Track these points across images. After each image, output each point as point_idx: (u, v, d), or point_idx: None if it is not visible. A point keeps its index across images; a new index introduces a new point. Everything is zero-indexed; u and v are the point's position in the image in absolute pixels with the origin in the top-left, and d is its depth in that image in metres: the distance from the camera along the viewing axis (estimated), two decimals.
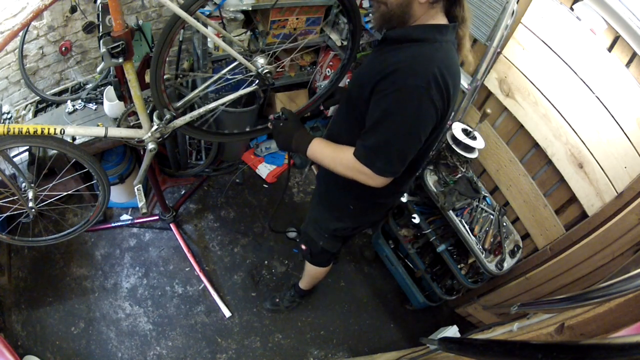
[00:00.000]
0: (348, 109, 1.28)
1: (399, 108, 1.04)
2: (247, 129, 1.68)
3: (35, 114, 1.97)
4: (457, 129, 1.88)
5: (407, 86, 1.01)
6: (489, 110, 1.84)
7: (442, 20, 1.10)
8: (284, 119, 1.29)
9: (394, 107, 1.05)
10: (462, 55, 1.18)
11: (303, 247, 1.77)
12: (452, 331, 1.84)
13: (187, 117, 1.46)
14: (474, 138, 1.88)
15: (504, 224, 1.92)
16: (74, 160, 1.63)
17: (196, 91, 1.48)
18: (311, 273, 1.96)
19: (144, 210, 1.62)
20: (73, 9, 1.86)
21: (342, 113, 1.37)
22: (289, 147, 1.26)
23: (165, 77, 1.55)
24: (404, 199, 2.03)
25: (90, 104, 1.97)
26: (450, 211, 1.85)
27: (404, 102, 1.03)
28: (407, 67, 1.02)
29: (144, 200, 1.63)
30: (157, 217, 2.38)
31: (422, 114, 1.04)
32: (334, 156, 1.19)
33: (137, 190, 1.61)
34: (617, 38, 1.43)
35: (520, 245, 1.91)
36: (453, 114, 1.95)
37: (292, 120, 1.29)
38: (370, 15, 2.14)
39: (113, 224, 2.35)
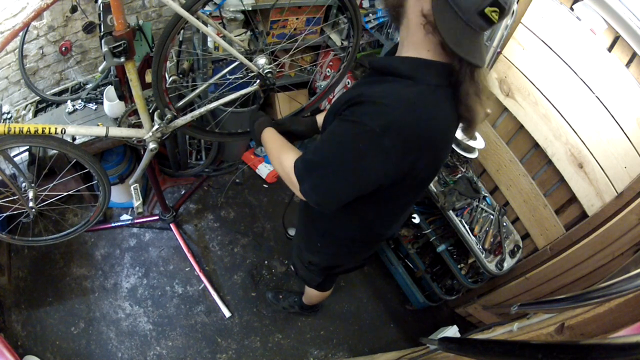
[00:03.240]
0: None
1: (347, 139, 0.88)
2: (248, 129, 1.68)
3: (35, 114, 1.97)
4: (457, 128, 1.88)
5: (362, 123, 0.85)
6: (489, 110, 1.83)
7: (438, 56, 0.87)
8: (252, 113, 1.33)
9: (343, 135, 0.90)
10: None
11: (292, 266, 1.74)
12: (452, 331, 1.84)
13: (188, 117, 1.46)
14: (474, 138, 1.88)
15: (504, 224, 1.92)
16: (74, 160, 1.63)
17: (197, 91, 1.48)
18: (307, 291, 1.96)
19: (140, 210, 1.62)
20: (73, 9, 1.86)
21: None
22: (254, 134, 1.26)
23: (171, 78, 1.56)
24: None
25: (91, 104, 1.97)
26: (450, 211, 1.85)
27: (353, 136, 0.87)
28: (372, 104, 0.86)
29: (141, 199, 1.63)
30: (157, 217, 2.38)
31: (366, 159, 0.87)
32: (278, 151, 1.10)
33: (134, 189, 1.61)
34: (617, 38, 1.43)
35: (520, 245, 1.91)
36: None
37: (256, 113, 1.31)
38: (371, 15, 2.14)
39: (113, 224, 2.35)
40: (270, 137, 1.20)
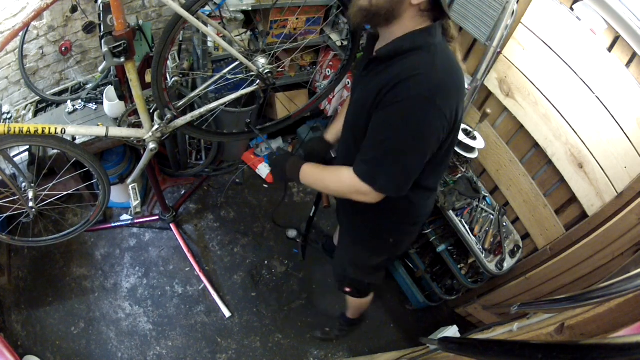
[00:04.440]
0: (351, 139, 1.21)
1: (403, 121, 0.98)
2: (245, 130, 1.68)
3: (35, 114, 1.97)
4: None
5: (411, 97, 0.96)
6: (489, 110, 1.84)
7: (427, 22, 1.03)
8: (276, 154, 1.31)
9: (397, 120, 0.99)
10: None
11: (347, 289, 1.75)
12: (452, 331, 1.84)
13: (187, 117, 1.46)
14: (474, 138, 1.88)
15: (504, 224, 1.92)
16: (74, 160, 1.63)
17: (197, 91, 1.49)
18: (356, 305, 1.94)
19: (138, 210, 1.62)
20: (73, 9, 1.86)
21: (345, 145, 1.30)
22: (284, 177, 1.26)
23: (173, 79, 1.56)
24: None
25: (90, 104, 1.97)
26: (450, 211, 1.85)
27: (408, 114, 0.97)
28: (408, 79, 0.96)
29: (139, 199, 1.63)
30: (157, 217, 2.38)
31: (429, 125, 0.98)
32: (328, 176, 1.16)
33: (132, 188, 1.61)
34: (617, 38, 1.43)
35: (520, 245, 1.91)
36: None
37: (283, 154, 1.30)
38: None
39: (113, 224, 2.35)
40: (311, 170, 1.21)
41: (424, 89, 0.95)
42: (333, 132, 1.51)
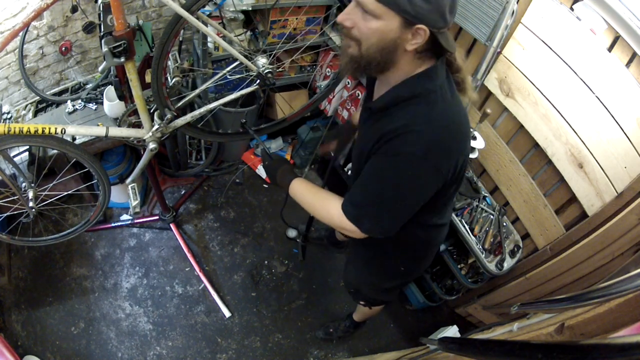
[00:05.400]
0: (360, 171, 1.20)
1: (394, 174, 0.96)
2: (240, 130, 1.68)
3: (35, 114, 1.97)
4: None
5: (405, 153, 0.93)
6: (489, 110, 1.84)
7: (427, 63, 0.95)
8: (267, 158, 1.29)
9: (388, 173, 0.97)
10: (467, 97, 1.07)
11: (362, 303, 1.76)
12: (452, 331, 1.84)
13: (187, 117, 1.46)
14: (474, 138, 1.88)
15: (504, 224, 1.92)
16: (74, 160, 1.63)
17: (197, 91, 1.49)
18: (367, 312, 1.95)
19: (137, 210, 1.62)
20: (74, 9, 1.86)
21: (356, 174, 1.27)
22: (276, 182, 1.24)
23: (175, 79, 1.56)
24: None
25: (90, 104, 1.98)
26: None
27: (399, 169, 0.95)
28: (403, 134, 0.92)
29: (138, 199, 1.63)
30: (157, 217, 2.38)
31: (419, 182, 0.96)
32: (317, 202, 1.13)
33: (131, 188, 1.61)
34: (617, 38, 1.43)
35: (520, 245, 1.91)
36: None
37: (275, 160, 1.27)
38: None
39: (113, 224, 2.35)
40: (300, 189, 1.17)
41: (418, 148, 0.91)
42: (357, 117, 1.48)
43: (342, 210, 1.03)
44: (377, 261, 1.43)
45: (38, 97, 2.00)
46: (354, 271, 1.62)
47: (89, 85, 2.03)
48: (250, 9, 1.98)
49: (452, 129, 0.96)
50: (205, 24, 1.49)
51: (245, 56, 1.41)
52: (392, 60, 0.92)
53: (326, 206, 1.09)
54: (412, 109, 0.94)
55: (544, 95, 1.65)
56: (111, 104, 1.79)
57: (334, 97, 2.55)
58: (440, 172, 0.95)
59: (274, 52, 1.52)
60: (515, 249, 1.88)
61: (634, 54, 1.39)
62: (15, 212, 1.61)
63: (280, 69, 1.77)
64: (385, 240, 1.10)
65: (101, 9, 1.31)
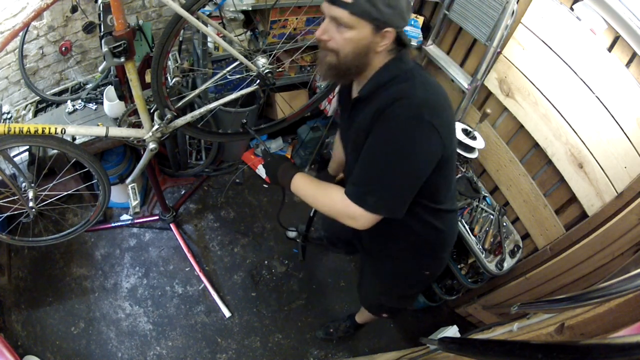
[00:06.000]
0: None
1: (393, 141, 0.99)
2: (240, 130, 1.68)
3: (35, 114, 1.97)
4: (457, 129, 1.88)
5: (399, 118, 0.97)
6: (489, 110, 1.84)
7: (389, 54, 1.05)
8: (269, 158, 1.29)
9: (387, 141, 0.99)
10: None
11: (385, 315, 1.77)
12: (452, 331, 1.84)
13: (187, 117, 1.46)
14: (474, 138, 1.88)
15: (504, 224, 1.92)
16: (74, 160, 1.63)
17: (197, 91, 1.49)
18: (372, 316, 1.93)
19: (137, 210, 1.62)
20: (73, 9, 1.86)
21: (351, 168, 1.29)
22: (277, 181, 1.24)
23: (175, 79, 1.56)
24: None
25: (90, 104, 1.97)
26: None
27: (397, 135, 0.98)
28: (393, 106, 0.97)
29: (138, 199, 1.63)
30: (157, 217, 2.38)
31: (418, 144, 0.98)
32: (319, 192, 1.14)
33: (131, 188, 1.60)
34: (617, 38, 1.43)
35: (520, 245, 1.91)
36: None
37: (276, 158, 1.28)
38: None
39: (113, 224, 2.35)
40: (302, 182, 1.18)
41: (410, 110, 0.97)
42: (333, 167, 1.57)
43: (344, 195, 1.04)
44: (401, 272, 1.43)
45: (38, 97, 2.00)
46: (377, 287, 1.60)
47: (89, 85, 2.03)
48: (250, 9, 1.98)
49: (437, 91, 1.04)
50: (205, 24, 1.49)
51: (245, 56, 1.41)
52: (366, 63, 1.03)
53: (329, 194, 1.11)
54: (396, 87, 1.02)
55: (544, 95, 1.65)
56: (111, 104, 1.79)
57: (334, 97, 2.55)
58: (435, 129, 0.97)
59: (274, 52, 1.52)
60: (515, 249, 1.88)
61: (634, 54, 1.39)
62: (15, 212, 1.61)
63: (280, 69, 1.77)
64: (403, 246, 1.11)
65: (101, 9, 1.30)
